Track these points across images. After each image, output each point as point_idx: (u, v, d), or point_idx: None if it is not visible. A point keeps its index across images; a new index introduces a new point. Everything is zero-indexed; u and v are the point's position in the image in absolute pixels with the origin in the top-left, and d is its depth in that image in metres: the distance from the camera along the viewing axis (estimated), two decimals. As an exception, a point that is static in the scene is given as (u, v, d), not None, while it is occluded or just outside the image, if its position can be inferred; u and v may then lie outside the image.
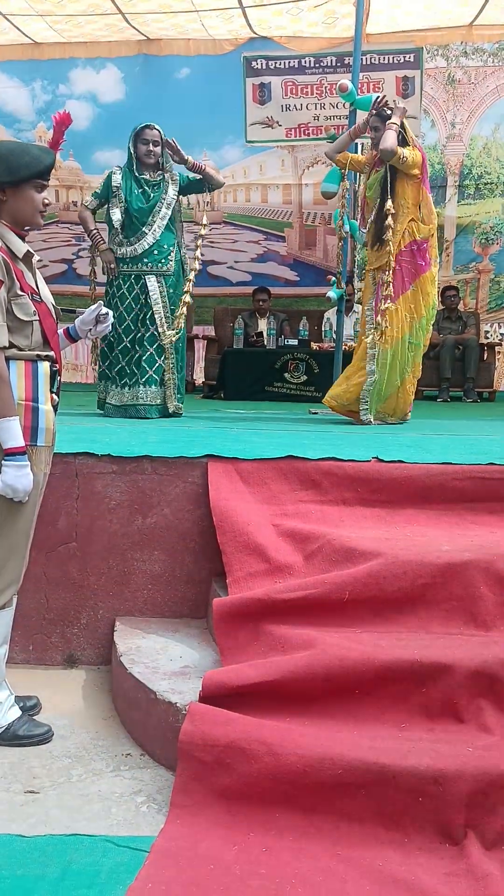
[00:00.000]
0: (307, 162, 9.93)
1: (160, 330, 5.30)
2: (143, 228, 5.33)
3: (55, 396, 2.66)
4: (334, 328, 7.01)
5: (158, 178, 5.40)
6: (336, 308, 6.43)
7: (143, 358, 5.32)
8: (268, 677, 2.47)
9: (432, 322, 5.33)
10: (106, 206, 5.50)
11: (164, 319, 5.32)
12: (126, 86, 9.91)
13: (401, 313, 5.16)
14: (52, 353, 2.63)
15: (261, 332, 8.50)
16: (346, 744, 2.27)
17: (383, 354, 5.14)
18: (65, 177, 10.05)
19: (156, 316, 5.31)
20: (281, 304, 9.43)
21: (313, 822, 2.17)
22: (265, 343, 8.34)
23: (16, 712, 2.70)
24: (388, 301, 5.07)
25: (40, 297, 2.62)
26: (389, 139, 5.00)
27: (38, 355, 2.58)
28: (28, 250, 2.61)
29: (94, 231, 5.50)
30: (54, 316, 2.68)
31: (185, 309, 5.37)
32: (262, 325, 8.64)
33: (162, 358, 5.35)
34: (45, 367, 2.60)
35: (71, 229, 10.20)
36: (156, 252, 5.34)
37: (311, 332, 8.60)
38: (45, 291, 2.69)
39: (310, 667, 2.48)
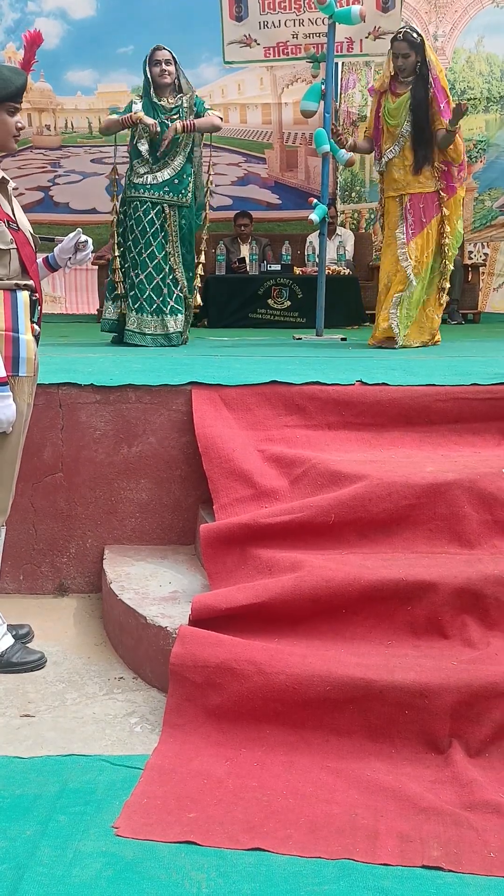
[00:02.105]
0: (286, 80, 9.66)
1: (171, 261, 5.29)
2: (165, 158, 5.25)
3: (36, 326, 2.62)
4: (317, 252, 6.92)
5: (177, 104, 5.27)
6: (318, 231, 6.33)
7: (164, 286, 5.29)
8: (255, 599, 2.51)
9: (460, 241, 5.42)
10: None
11: (175, 251, 5.30)
12: (97, 1, 9.56)
13: (433, 236, 5.19)
14: (31, 283, 2.58)
15: (243, 258, 8.38)
16: (334, 661, 2.32)
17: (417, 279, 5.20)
18: (36, 99, 9.74)
19: (167, 246, 5.28)
20: (263, 229, 9.28)
21: (303, 737, 2.24)
22: (248, 269, 8.24)
23: (8, 640, 2.74)
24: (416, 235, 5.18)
25: (17, 226, 2.57)
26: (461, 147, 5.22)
27: (16, 284, 2.53)
28: (3, 176, 2.55)
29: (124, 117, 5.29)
30: (32, 244, 2.63)
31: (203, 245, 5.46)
32: (245, 250, 8.51)
33: (178, 287, 5.35)
34: (24, 296, 2.56)
35: (46, 155, 9.95)
36: (176, 181, 5.28)
37: (294, 256, 8.49)
38: (23, 219, 2.63)
39: (297, 588, 2.52)
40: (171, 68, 5.27)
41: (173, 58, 5.29)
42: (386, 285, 5.33)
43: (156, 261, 5.27)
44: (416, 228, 5.18)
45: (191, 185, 5.34)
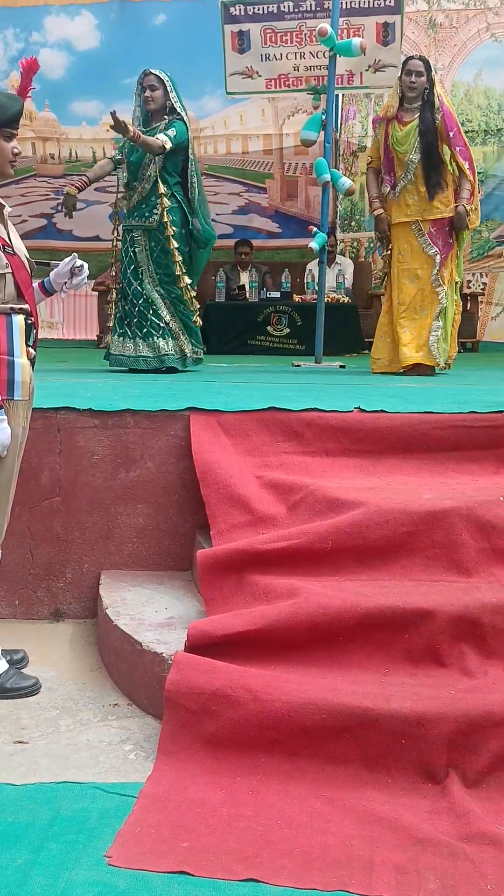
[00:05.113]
0: (288, 111, 9.77)
1: (147, 286, 5.27)
2: (135, 183, 5.26)
3: (32, 350, 2.63)
4: (317, 280, 6.96)
5: (158, 126, 5.19)
6: (318, 259, 6.37)
7: (137, 311, 5.29)
8: (252, 626, 2.49)
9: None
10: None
11: (151, 275, 5.28)
12: (101, 33, 9.68)
13: (454, 259, 5.34)
14: (26, 307, 2.59)
15: (243, 286, 8.44)
16: (330, 689, 2.31)
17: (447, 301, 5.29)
18: (41, 128, 9.84)
19: (140, 271, 5.27)
20: (263, 257, 9.35)
21: (298, 765, 2.21)
22: (247, 296, 8.29)
23: (3, 665, 2.72)
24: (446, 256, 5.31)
25: (13, 250, 2.58)
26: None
27: (11, 308, 2.54)
28: (-1, 201, 2.57)
29: (84, 176, 5.44)
30: (28, 269, 2.64)
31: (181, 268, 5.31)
32: (245, 277, 8.58)
33: (151, 311, 5.27)
34: (19, 320, 2.57)
35: (49, 183, 10.02)
36: (143, 206, 5.26)
37: (294, 284, 8.55)
38: (19, 244, 2.64)
39: (293, 615, 2.50)
40: (157, 93, 5.15)
41: (161, 81, 5.15)
42: (408, 308, 5.29)
43: (133, 287, 5.28)
44: (444, 252, 5.26)
45: (158, 207, 5.19)
